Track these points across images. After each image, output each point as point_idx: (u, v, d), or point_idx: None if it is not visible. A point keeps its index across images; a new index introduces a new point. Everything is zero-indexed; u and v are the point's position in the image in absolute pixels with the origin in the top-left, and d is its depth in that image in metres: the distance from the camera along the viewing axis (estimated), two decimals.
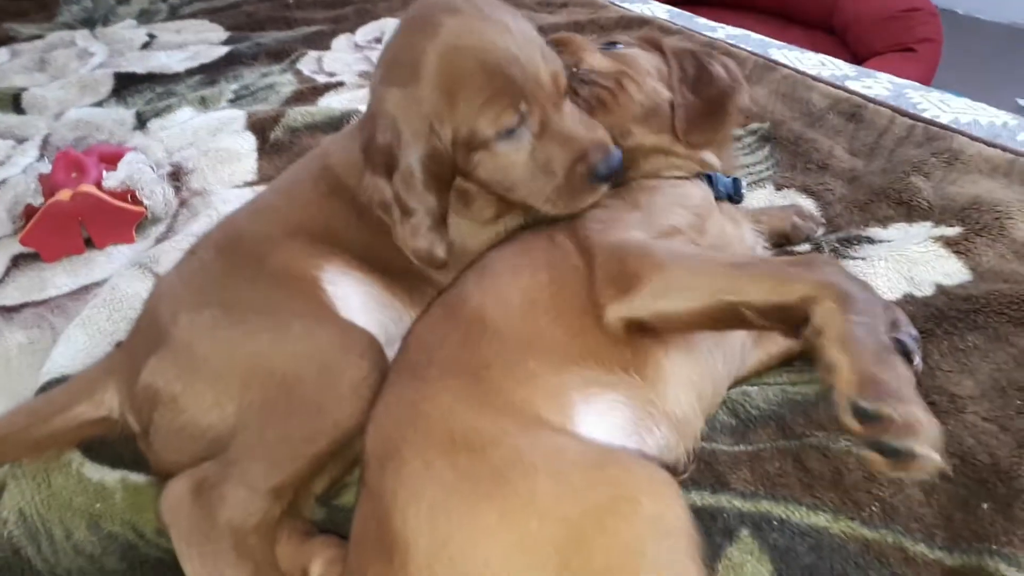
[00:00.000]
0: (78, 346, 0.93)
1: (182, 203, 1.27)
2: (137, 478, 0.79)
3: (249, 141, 1.40)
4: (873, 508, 0.70)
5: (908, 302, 0.92)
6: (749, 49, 1.64)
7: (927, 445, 0.53)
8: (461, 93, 0.77)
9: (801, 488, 0.71)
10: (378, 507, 0.61)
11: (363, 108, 0.99)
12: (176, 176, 1.32)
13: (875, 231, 1.07)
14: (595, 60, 0.91)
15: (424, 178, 0.81)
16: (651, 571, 0.54)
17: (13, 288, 1.12)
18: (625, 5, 1.95)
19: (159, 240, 1.18)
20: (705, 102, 0.90)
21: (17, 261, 1.17)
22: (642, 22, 1.78)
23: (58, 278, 1.13)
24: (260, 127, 1.43)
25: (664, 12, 1.92)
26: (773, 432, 0.78)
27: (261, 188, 1.24)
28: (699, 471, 0.75)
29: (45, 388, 0.88)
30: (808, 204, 1.14)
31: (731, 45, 1.65)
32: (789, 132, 1.31)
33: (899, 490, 0.71)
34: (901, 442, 0.53)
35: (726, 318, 0.68)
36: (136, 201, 1.19)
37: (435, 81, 0.77)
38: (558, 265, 0.75)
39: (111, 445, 0.81)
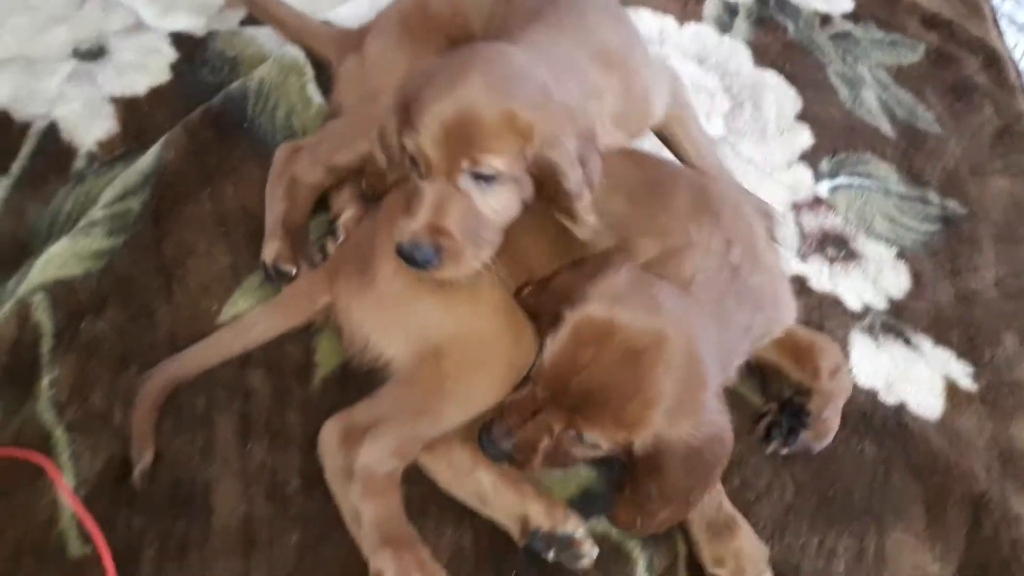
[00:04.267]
0: (358, 11, 1.32)
1: None
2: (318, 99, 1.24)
3: None
4: None
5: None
6: None
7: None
8: (414, 116, 0.86)
9: None
10: (375, 236, 0.95)
11: None
12: None
13: None
14: None
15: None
16: (481, 374, 0.88)
17: None
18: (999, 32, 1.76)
19: None
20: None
21: None
22: (991, 54, 1.65)
23: None
24: None
25: None
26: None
27: None
28: None
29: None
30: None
31: None
32: (973, 230, 1.29)
33: None
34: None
35: None
36: None
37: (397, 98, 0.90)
38: None
39: (325, 73, 1.23)
